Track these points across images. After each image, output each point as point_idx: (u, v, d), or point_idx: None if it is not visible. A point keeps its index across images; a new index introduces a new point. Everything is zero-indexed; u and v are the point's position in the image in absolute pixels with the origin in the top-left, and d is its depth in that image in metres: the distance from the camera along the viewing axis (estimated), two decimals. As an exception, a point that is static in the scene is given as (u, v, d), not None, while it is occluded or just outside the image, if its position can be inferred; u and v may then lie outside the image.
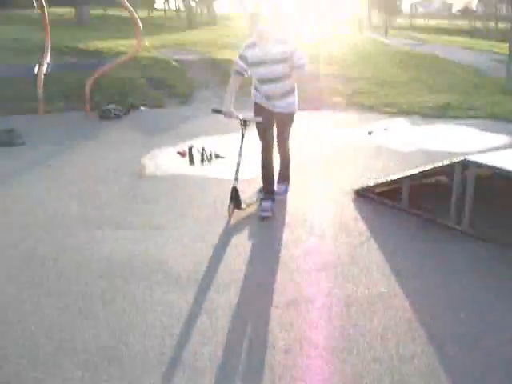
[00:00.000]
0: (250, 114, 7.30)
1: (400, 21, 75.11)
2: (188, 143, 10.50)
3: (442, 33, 59.53)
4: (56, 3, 18.06)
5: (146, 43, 21.31)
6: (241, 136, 7.15)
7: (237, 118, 7.18)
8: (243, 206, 7.06)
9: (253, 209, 7.26)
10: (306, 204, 7.54)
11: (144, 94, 16.55)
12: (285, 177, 7.93)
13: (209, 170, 9.25)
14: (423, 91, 18.35)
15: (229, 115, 7.21)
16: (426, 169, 7.01)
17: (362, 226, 6.74)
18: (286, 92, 7.19)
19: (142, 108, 15.45)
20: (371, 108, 15.79)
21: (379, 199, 7.50)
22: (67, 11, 38.25)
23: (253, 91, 7.45)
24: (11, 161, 10.13)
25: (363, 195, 7.74)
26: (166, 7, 75.21)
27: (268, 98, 7.25)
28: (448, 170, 6.90)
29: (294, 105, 7.37)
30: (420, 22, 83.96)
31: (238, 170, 6.98)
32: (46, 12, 15.80)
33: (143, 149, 10.64)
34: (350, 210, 7.32)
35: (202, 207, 7.38)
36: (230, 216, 6.91)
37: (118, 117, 14.18)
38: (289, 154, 7.75)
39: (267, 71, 7.01)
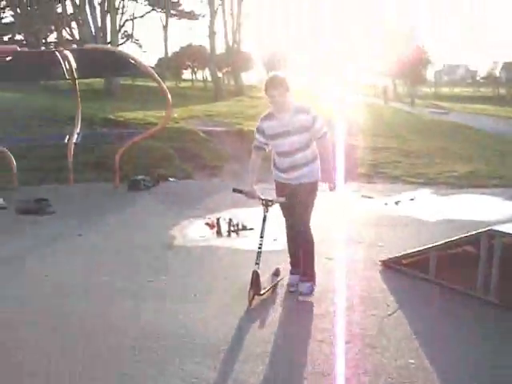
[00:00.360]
0: (273, 194, 7.01)
1: (425, 89, 75.51)
2: (216, 215, 10.64)
3: (466, 100, 59.89)
4: (86, 75, 18.44)
5: (175, 114, 21.66)
6: (263, 217, 6.74)
7: (259, 198, 6.83)
8: (263, 291, 6.55)
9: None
10: (333, 275, 7.57)
11: (173, 166, 16.79)
12: (308, 273, 6.95)
13: (236, 242, 9.36)
14: (449, 160, 18.43)
15: (250, 195, 6.88)
16: (453, 239, 7.06)
17: (389, 297, 6.76)
18: (307, 162, 6.68)
19: (170, 179, 15.65)
20: (397, 178, 15.92)
21: (407, 270, 7.52)
22: (96, 80, 38.94)
23: (272, 168, 7.03)
24: (43, 230, 10.36)
25: (390, 266, 7.77)
26: (194, 77, 76.52)
27: (287, 171, 6.75)
28: (474, 240, 6.93)
29: (315, 172, 6.77)
30: (444, 90, 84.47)
31: (259, 254, 6.61)
32: (76, 83, 16.23)
33: (172, 220, 10.79)
34: (377, 281, 7.35)
35: (229, 278, 7.44)
36: (250, 302, 6.43)
37: (147, 188, 14.37)
38: (312, 243, 6.90)
39: (286, 143, 6.60)
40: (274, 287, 7.02)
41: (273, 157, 6.96)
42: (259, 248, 6.63)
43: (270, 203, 6.78)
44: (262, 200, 6.80)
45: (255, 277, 6.44)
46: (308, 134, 6.56)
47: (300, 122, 6.50)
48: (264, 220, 6.72)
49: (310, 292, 6.80)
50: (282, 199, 6.78)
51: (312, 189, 6.79)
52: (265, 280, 6.79)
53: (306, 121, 6.49)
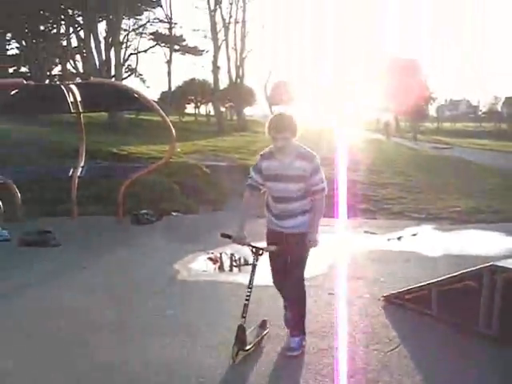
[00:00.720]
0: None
1: (427, 124, 75.82)
2: (219, 249, 10.68)
3: (468, 135, 60.14)
4: (91, 108, 18.64)
5: (178, 149, 21.80)
6: (251, 266, 6.19)
7: (248, 245, 6.28)
8: (248, 346, 5.98)
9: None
10: (336, 310, 7.57)
11: (176, 200, 16.89)
12: (298, 327, 6.36)
13: (239, 277, 9.38)
14: (451, 196, 18.51)
15: (239, 241, 6.28)
16: (455, 274, 7.09)
17: (392, 332, 6.78)
18: (304, 211, 6.11)
19: (173, 213, 15.73)
20: (400, 214, 15.99)
21: (409, 305, 7.55)
22: (101, 114, 39.12)
23: (265, 212, 6.44)
24: (46, 262, 10.42)
25: (393, 301, 7.79)
26: (197, 112, 76.99)
27: (282, 218, 6.17)
28: (476, 276, 6.96)
29: (308, 224, 6.16)
30: (446, 125, 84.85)
31: (246, 307, 5.97)
32: (81, 117, 16.38)
33: (175, 254, 10.83)
34: (379, 316, 7.37)
35: (233, 314, 7.41)
36: (233, 358, 5.84)
37: (150, 222, 14.43)
38: (304, 298, 6.35)
39: (284, 188, 6.03)
40: (260, 341, 6.40)
41: (267, 199, 6.37)
42: (246, 300, 6.01)
43: (260, 251, 6.22)
44: (252, 247, 6.26)
45: (240, 332, 5.86)
46: (304, 184, 5.99)
47: (300, 169, 5.94)
48: (253, 269, 6.16)
49: (299, 347, 6.22)
50: (274, 247, 6.24)
51: (304, 242, 6.11)
52: (249, 334, 6.17)
53: (304, 170, 5.92)
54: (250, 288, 6.05)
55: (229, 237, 6.34)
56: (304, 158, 5.97)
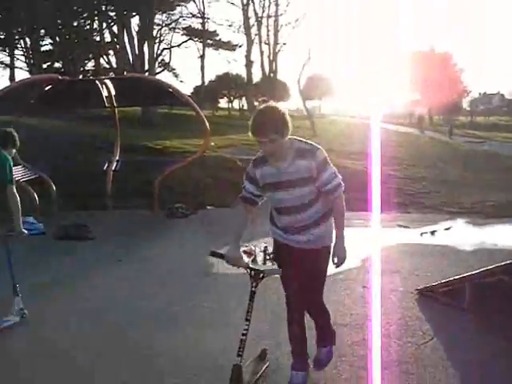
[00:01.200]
0: (268, 265, 5.34)
1: (460, 118, 75.18)
2: (253, 243, 10.74)
3: (502, 129, 59.52)
4: (125, 103, 18.78)
5: (212, 143, 21.91)
6: (250, 294, 4.91)
7: (245, 267, 4.99)
8: None
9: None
10: (370, 303, 7.60)
11: (211, 194, 16.96)
12: (326, 337, 5.56)
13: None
14: (485, 190, 18.40)
15: (233, 262, 5.00)
16: (488, 268, 7.11)
17: (425, 325, 6.82)
18: (318, 220, 4.94)
19: (208, 207, 15.82)
20: (433, 208, 15.94)
21: (443, 299, 7.57)
22: (135, 108, 39.31)
23: (270, 224, 5.30)
24: (82, 255, 10.59)
25: (426, 295, 7.82)
26: (230, 106, 77.04)
27: (292, 232, 5.01)
28: (509, 270, 6.97)
29: (325, 237, 5.04)
30: (480, 119, 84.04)
31: (242, 343, 4.80)
32: (116, 111, 16.54)
33: (209, 247, 10.82)
34: (413, 309, 7.42)
35: (267, 305, 7.50)
36: None
37: (184, 216, 14.53)
38: (327, 313, 5.48)
39: (287, 197, 4.85)
40: (260, 378, 5.36)
41: (270, 210, 5.22)
42: (243, 335, 4.81)
43: (260, 275, 4.89)
44: (250, 270, 4.94)
45: (236, 373, 4.74)
46: (314, 185, 4.80)
47: (302, 171, 4.75)
48: (251, 298, 4.90)
49: (328, 360, 5.57)
50: (278, 271, 5.06)
51: (319, 259, 5.01)
52: (246, 370, 5.01)
53: (309, 170, 4.72)
54: (248, 320, 4.83)
55: (221, 256, 5.07)
56: (304, 156, 4.74)
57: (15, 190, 6.99)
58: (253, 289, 4.86)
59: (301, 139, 4.89)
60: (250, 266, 5.03)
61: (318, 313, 5.36)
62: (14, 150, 7.44)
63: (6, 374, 5.63)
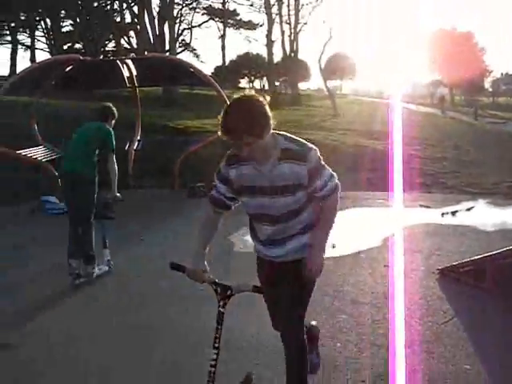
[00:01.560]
0: (240, 283, 4.25)
1: (482, 98, 74.74)
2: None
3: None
4: (146, 83, 18.85)
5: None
6: (217, 316, 3.98)
7: (209, 282, 4.07)
8: None
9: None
10: (391, 282, 7.62)
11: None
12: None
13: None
14: (506, 170, 18.31)
15: (195, 276, 4.10)
16: (510, 248, 7.09)
17: (446, 305, 6.83)
18: (305, 227, 4.07)
19: (229, 186, 15.83)
20: (455, 188, 15.89)
21: (464, 279, 7.58)
22: (155, 88, 39.37)
23: (250, 236, 4.45)
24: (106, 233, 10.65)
25: (448, 274, 7.82)
26: (251, 86, 76.98)
27: (272, 243, 4.17)
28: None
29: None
30: (502, 99, 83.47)
31: (211, 375, 3.90)
32: (137, 91, 16.58)
33: (230, 227, 10.88)
34: (434, 289, 7.43)
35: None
36: None
37: (205, 195, 14.49)
38: (306, 349, 4.17)
39: (269, 204, 3.93)
40: None
41: (250, 220, 4.33)
42: (211, 366, 3.90)
43: (228, 293, 4.01)
44: (215, 286, 4.04)
45: None
46: (303, 192, 3.89)
47: (291, 177, 3.82)
48: (219, 320, 3.97)
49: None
50: (249, 287, 4.24)
51: (303, 274, 4.03)
52: None
53: (299, 177, 3.81)
54: (217, 348, 3.94)
55: (182, 270, 4.19)
56: (293, 158, 3.80)
57: (115, 159, 8.07)
58: (220, 309, 3.96)
59: (289, 135, 3.98)
60: (216, 281, 4.04)
61: (295, 339, 4.11)
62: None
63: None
